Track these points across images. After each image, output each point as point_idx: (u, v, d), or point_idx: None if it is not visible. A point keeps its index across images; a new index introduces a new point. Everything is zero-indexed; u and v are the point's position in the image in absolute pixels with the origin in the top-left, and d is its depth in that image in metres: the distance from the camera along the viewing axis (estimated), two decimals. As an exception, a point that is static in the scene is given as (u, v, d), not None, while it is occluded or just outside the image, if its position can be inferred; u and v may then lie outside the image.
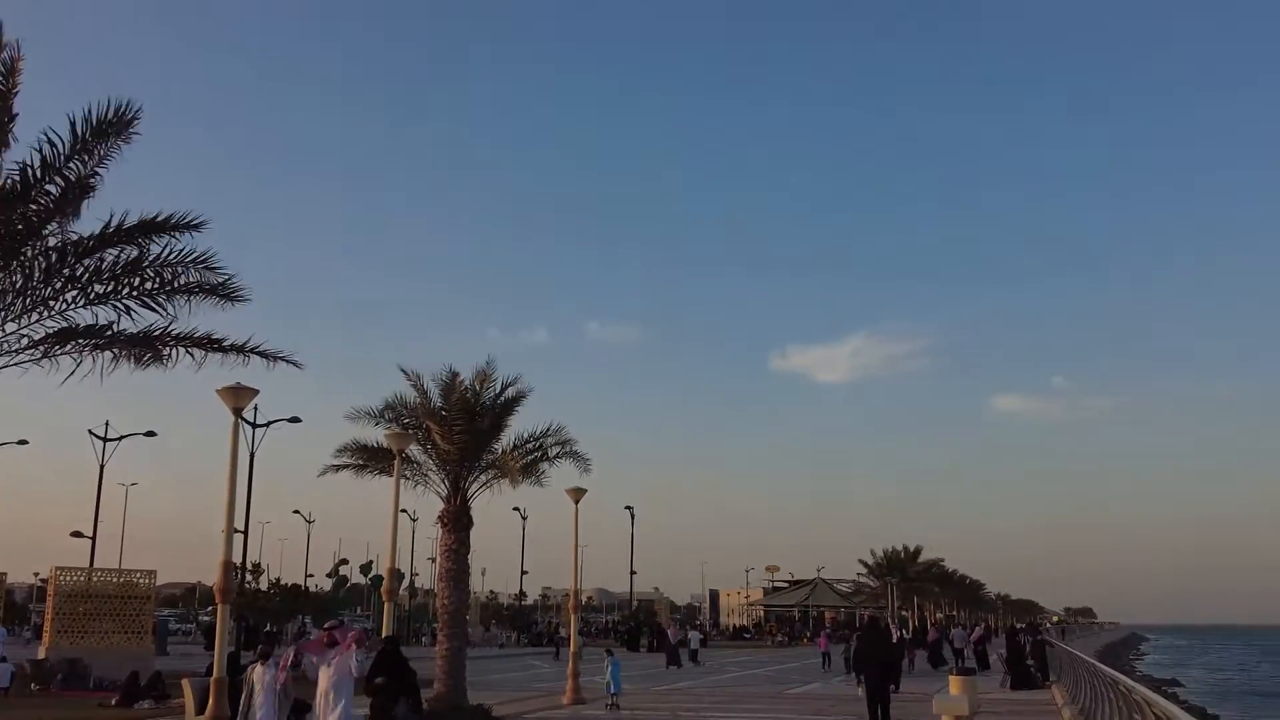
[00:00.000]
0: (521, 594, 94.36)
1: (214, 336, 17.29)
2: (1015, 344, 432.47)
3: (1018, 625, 63.51)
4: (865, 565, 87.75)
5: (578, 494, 27.51)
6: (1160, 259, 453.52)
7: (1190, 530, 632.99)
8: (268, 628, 54.45)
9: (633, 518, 74.63)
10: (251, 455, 42.83)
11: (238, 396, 16.87)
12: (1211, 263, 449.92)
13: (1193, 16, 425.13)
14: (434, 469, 23.30)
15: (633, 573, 78.01)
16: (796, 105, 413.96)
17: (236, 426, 17.14)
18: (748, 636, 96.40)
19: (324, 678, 13.74)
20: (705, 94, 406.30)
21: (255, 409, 42.04)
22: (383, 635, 20.44)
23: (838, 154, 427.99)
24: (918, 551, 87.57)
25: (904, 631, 54.72)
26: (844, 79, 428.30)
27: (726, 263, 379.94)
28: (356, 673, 14.03)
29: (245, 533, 44.21)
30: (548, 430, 23.69)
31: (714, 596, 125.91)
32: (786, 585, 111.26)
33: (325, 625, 14.83)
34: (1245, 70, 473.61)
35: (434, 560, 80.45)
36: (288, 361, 17.66)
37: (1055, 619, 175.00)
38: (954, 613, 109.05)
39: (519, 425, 23.68)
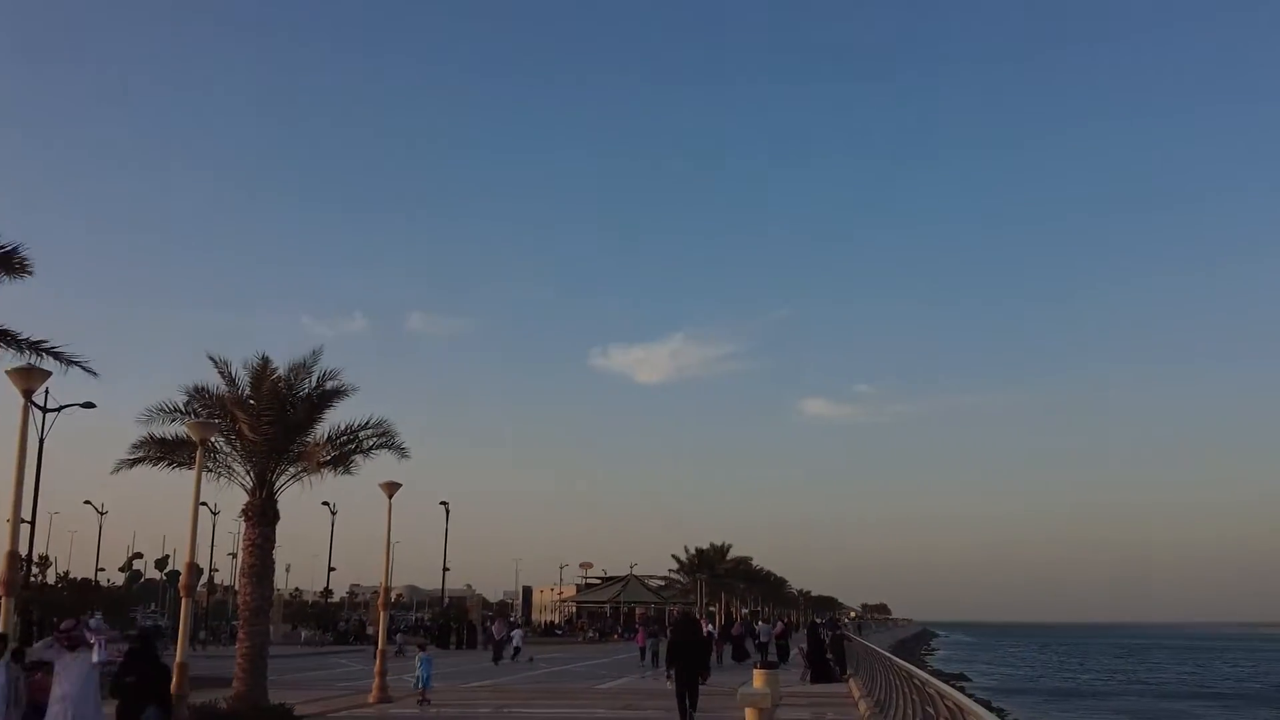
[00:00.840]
0: (328, 591, 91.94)
1: (5, 329, 16.29)
2: (824, 351, 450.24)
3: (818, 620, 65.74)
4: (679, 561, 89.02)
5: (392, 488, 26.88)
6: (953, 280, 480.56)
7: (978, 530, 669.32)
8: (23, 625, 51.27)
9: (448, 513, 73.54)
10: (41, 441, 40.29)
11: (29, 378, 15.82)
12: (993, 286, 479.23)
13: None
14: (239, 460, 22.34)
15: (445, 569, 76.84)
16: (630, 108, 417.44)
17: (26, 410, 16.10)
18: (559, 633, 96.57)
19: (60, 682, 12.77)
20: (533, 87, 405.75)
21: (46, 392, 39.58)
22: (163, 632, 19.53)
23: (659, 160, 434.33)
24: (727, 549, 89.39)
25: (713, 627, 55.91)
26: (675, 85, 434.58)
27: (550, 257, 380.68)
28: (99, 671, 13.13)
29: (32, 523, 41.54)
30: (367, 423, 23.09)
31: (527, 593, 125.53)
32: (600, 582, 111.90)
33: (61, 626, 13.64)
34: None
35: (235, 555, 77.49)
36: (84, 369, 16.89)
37: (853, 614, 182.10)
38: (758, 608, 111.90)
39: (335, 417, 23.04)
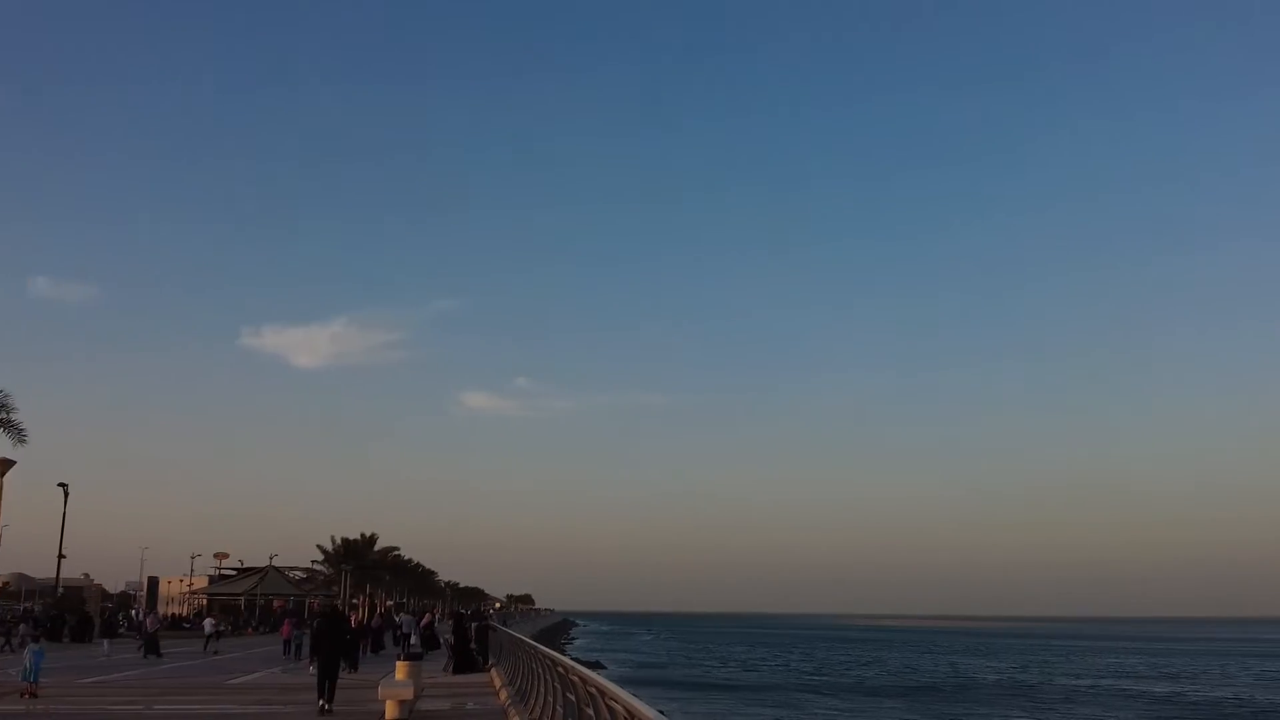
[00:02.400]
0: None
1: None
2: (484, 344, 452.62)
3: (463, 611, 66.09)
4: (324, 552, 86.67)
5: (4, 465, 24.55)
6: (613, 286, 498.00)
7: (619, 522, 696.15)
8: None
9: (66, 496, 67.60)
10: None
11: None
12: (642, 296, 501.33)
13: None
14: None
15: (61, 556, 70.60)
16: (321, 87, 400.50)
17: None
18: (187, 626, 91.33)
19: None
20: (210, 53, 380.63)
21: None
22: None
23: (327, 139, 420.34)
24: (374, 539, 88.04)
25: (361, 618, 55.21)
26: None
27: (201, 224, 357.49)
28: None
29: None
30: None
31: (153, 584, 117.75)
32: (235, 573, 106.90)
33: None
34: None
35: None
36: None
37: (498, 605, 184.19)
38: (405, 600, 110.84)
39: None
